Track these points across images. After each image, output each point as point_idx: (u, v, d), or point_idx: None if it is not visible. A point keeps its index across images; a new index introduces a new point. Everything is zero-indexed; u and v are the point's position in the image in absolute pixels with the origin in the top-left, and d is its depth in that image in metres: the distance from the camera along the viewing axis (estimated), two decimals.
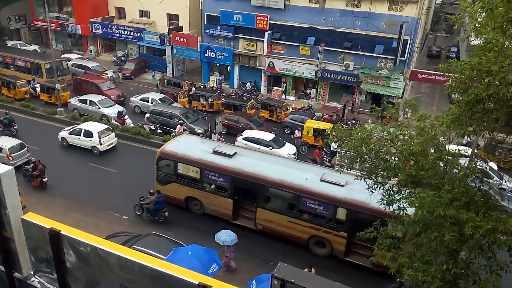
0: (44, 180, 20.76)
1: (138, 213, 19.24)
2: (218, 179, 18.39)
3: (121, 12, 43.54)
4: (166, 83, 36.19)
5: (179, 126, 26.40)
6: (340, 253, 17.09)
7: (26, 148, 22.74)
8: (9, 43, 43.04)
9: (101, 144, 24.39)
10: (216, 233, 16.00)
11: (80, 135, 24.81)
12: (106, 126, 25.44)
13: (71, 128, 25.73)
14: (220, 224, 18.27)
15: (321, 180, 17.09)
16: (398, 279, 14.54)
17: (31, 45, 44.61)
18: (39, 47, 44.94)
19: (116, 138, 25.52)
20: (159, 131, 27.09)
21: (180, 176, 19.20)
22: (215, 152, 18.84)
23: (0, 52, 36.91)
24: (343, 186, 16.63)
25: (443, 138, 10.98)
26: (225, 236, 15.68)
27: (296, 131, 27.40)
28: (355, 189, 15.59)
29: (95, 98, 30.03)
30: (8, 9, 45.90)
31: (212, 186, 18.74)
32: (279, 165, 18.58)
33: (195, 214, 19.72)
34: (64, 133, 25.40)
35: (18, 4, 47.45)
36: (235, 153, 18.97)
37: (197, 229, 18.72)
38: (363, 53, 32.31)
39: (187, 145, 19.78)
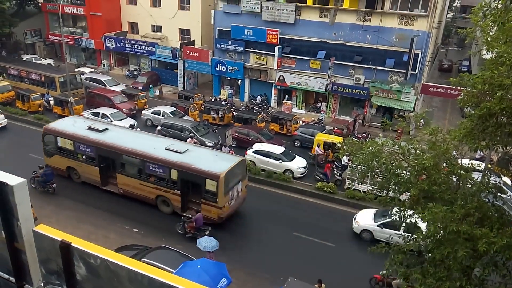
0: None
1: (33, 185, 21.00)
2: (87, 150, 21.53)
3: (134, 27, 44.27)
4: (163, 94, 37.03)
5: (189, 139, 26.55)
6: (178, 209, 19.87)
7: None
8: (25, 57, 43.91)
9: None
10: (198, 238, 16.51)
11: None
12: None
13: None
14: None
15: (166, 149, 20.10)
16: None
17: (46, 59, 45.46)
18: (54, 61, 45.79)
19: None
20: None
21: (60, 149, 22.33)
22: (89, 128, 22.01)
23: (15, 66, 37.68)
24: (181, 153, 19.68)
25: (456, 153, 10.86)
26: (206, 242, 16.20)
27: (317, 148, 26.23)
28: (190, 156, 19.56)
29: (107, 111, 30.38)
30: (24, 24, 47.03)
31: (84, 157, 21.73)
32: (138, 138, 21.82)
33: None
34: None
35: (33, 20, 48.64)
36: (106, 129, 22.18)
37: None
38: (374, 67, 32.30)
39: (68, 123, 22.99)
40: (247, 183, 20.96)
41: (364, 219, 19.49)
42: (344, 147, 12.45)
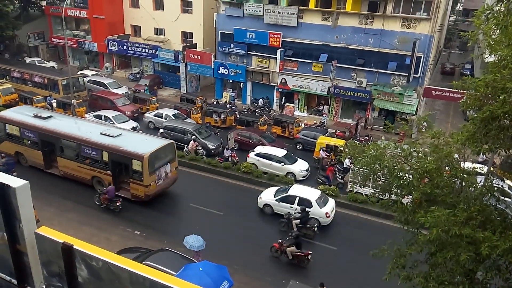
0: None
1: None
2: (31, 135, 23.13)
3: (136, 30, 44.42)
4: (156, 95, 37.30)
5: (192, 142, 26.58)
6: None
7: None
8: (28, 60, 44.09)
9: None
10: (186, 236, 16.52)
11: None
12: None
13: None
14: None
15: (100, 133, 21.64)
16: None
17: (49, 62, 45.60)
18: (57, 63, 45.94)
19: None
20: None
21: (9, 135, 23.94)
22: (34, 116, 23.49)
23: (18, 69, 37.84)
24: (113, 137, 21.29)
25: (458, 156, 10.82)
26: (193, 241, 16.24)
27: (321, 151, 26.19)
28: (121, 139, 21.21)
29: (110, 113, 30.45)
30: (28, 27, 47.21)
31: (29, 142, 23.32)
32: (78, 125, 23.53)
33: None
34: None
35: (37, 22, 48.83)
36: (50, 116, 23.69)
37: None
38: (376, 70, 32.31)
39: (18, 111, 24.73)
40: (176, 165, 22.38)
41: (266, 195, 21.40)
42: (346, 150, 12.45)
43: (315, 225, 19.25)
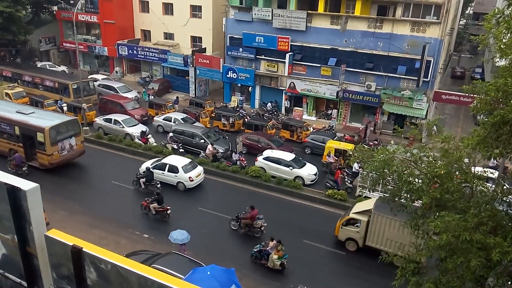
0: None
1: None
2: None
3: (146, 34, 44.75)
4: (155, 96, 37.85)
5: (210, 146, 26.72)
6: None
7: None
8: (39, 64, 44.62)
9: None
10: (171, 231, 17.26)
11: None
12: None
13: None
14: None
15: (16, 112, 24.52)
16: None
17: (60, 66, 46.13)
18: (67, 68, 46.44)
19: None
20: (181, 150, 27.36)
21: None
22: None
23: (30, 73, 38.30)
24: (26, 114, 24.27)
25: (469, 160, 10.72)
26: (177, 235, 16.94)
27: (328, 156, 26.16)
28: (31, 116, 24.19)
29: (119, 117, 30.68)
30: (39, 31, 47.87)
31: None
32: (2, 105, 26.33)
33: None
34: None
35: (48, 27, 49.48)
36: None
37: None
38: (385, 74, 32.17)
39: None
40: (82, 139, 25.64)
41: (145, 164, 24.17)
42: (355, 154, 12.38)
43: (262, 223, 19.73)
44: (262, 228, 19.35)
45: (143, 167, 23.76)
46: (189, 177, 23.01)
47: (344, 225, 18.94)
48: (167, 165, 23.56)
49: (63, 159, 24.27)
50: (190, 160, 24.27)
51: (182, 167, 23.23)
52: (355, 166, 23.72)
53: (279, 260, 16.79)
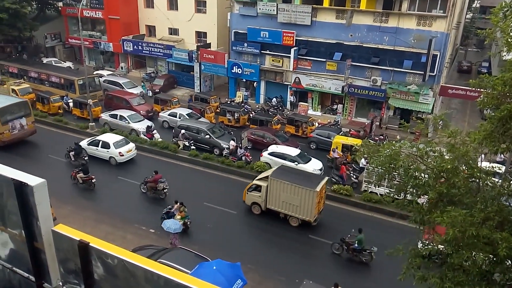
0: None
1: None
2: None
3: (151, 30, 44.75)
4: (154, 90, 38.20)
5: (232, 141, 26.77)
6: None
7: None
8: (44, 60, 44.79)
9: None
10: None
11: None
12: None
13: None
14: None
15: None
16: None
17: (65, 62, 46.27)
18: (73, 64, 46.59)
19: None
20: (192, 147, 27.22)
21: None
22: None
23: (35, 69, 38.47)
24: None
25: (475, 155, 10.65)
26: (170, 224, 17.57)
27: (333, 152, 26.10)
28: None
29: (125, 113, 30.77)
30: (45, 28, 47.99)
31: None
32: None
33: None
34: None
35: (53, 23, 49.61)
36: None
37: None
38: (391, 68, 31.99)
39: None
40: (33, 120, 27.69)
41: (83, 142, 26.29)
42: (361, 150, 12.33)
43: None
44: (165, 191, 21.81)
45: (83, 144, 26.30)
46: (119, 152, 25.31)
47: (249, 191, 21.00)
48: (100, 142, 25.88)
49: (14, 137, 26.57)
50: (123, 137, 26.62)
51: (113, 143, 25.49)
52: (362, 161, 23.65)
53: (182, 220, 18.68)
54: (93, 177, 22.62)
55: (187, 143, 27.39)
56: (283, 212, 20.15)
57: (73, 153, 25.02)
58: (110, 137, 26.11)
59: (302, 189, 19.22)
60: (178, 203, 19.35)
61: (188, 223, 19.22)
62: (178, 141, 27.70)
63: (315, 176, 22.14)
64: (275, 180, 19.87)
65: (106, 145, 25.55)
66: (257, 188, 20.68)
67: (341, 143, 26.35)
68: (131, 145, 26.22)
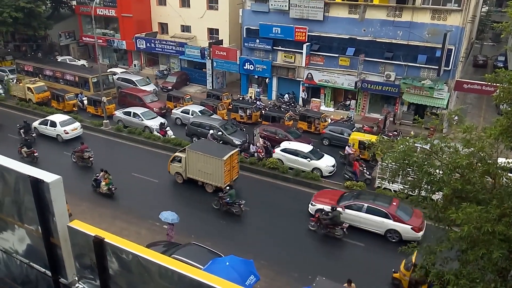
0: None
1: None
2: None
3: (164, 27, 44.95)
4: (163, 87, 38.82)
5: (260, 139, 26.93)
6: None
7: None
8: (59, 58, 45.34)
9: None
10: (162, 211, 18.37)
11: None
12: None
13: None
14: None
15: None
16: None
17: (79, 60, 46.80)
18: (87, 61, 47.09)
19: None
20: None
21: None
22: None
23: (50, 67, 38.97)
24: None
25: (491, 151, 10.49)
26: (168, 215, 18.00)
27: (347, 147, 25.81)
28: None
29: (138, 110, 31.02)
30: (59, 26, 48.59)
31: None
32: None
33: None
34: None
35: (67, 22, 50.16)
36: None
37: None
38: (405, 63, 31.62)
39: None
40: None
41: (35, 122, 29.10)
42: (376, 145, 12.13)
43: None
44: (91, 159, 24.68)
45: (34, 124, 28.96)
46: (64, 130, 28.10)
47: (172, 163, 23.31)
48: (49, 121, 28.63)
49: None
50: (69, 117, 29.34)
51: (59, 122, 28.35)
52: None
53: (106, 186, 21.38)
54: (35, 151, 25.25)
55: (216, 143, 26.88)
56: (200, 180, 22.62)
57: (22, 130, 27.40)
58: (57, 117, 28.98)
59: (212, 158, 21.67)
60: (103, 171, 21.75)
61: (113, 188, 21.69)
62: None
63: (228, 147, 24.18)
64: (192, 152, 22.44)
65: (53, 124, 28.35)
66: (179, 159, 22.91)
67: (357, 140, 26.04)
68: (77, 124, 28.94)
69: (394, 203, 19.58)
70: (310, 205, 20.63)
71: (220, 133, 27.70)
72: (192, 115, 30.96)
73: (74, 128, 28.49)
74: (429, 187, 10.57)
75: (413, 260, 14.61)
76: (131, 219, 20.10)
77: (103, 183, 21.56)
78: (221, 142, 27.03)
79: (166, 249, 15.89)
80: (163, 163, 24.25)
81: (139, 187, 23.14)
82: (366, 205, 19.52)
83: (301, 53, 34.61)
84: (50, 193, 2.92)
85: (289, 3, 34.01)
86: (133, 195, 22.30)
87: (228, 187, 21.15)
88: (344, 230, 18.67)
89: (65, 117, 28.97)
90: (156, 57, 45.49)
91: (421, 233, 18.33)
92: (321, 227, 19.07)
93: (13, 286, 3.53)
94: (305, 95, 36.71)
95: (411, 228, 18.45)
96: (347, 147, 25.78)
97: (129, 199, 21.90)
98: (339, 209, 19.18)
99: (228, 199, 20.45)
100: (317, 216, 19.27)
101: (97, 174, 22.22)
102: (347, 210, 19.44)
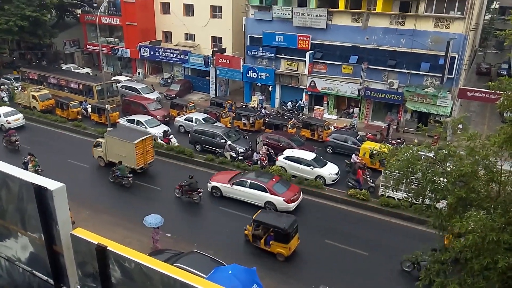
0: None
1: None
2: None
3: (167, 35, 45.25)
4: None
5: (263, 147, 26.90)
6: None
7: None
8: (64, 66, 45.65)
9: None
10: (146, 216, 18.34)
11: None
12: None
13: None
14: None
15: None
16: None
17: (84, 68, 47.09)
18: (91, 70, 47.37)
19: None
20: (240, 157, 26.62)
21: None
22: None
23: (55, 75, 39.23)
24: None
25: (496, 159, 10.44)
26: (151, 219, 18.01)
27: (354, 155, 25.55)
28: None
29: (142, 118, 31.12)
30: (64, 34, 49.02)
31: None
32: None
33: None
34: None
35: (72, 30, 50.62)
36: None
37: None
38: (408, 71, 31.64)
39: None
40: None
41: None
42: (391, 157, 11.86)
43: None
44: (17, 143, 27.60)
45: None
46: (7, 120, 30.99)
47: (95, 147, 25.74)
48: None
49: None
50: (13, 109, 32.35)
51: (3, 113, 31.48)
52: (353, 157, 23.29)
53: (32, 168, 22.88)
54: None
55: (234, 154, 26.87)
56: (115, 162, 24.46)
57: None
58: (1, 109, 32.03)
59: (125, 142, 24.16)
60: (30, 155, 23.81)
61: (39, 170, 23.05)
62: (224, 153, 27.21)
63: (142, 133, 26.41)
64: (109, 137, 25.19)
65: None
66: (100, 144, 25.48)
67: (368, 149, 25.72)
68: (19, 115, 32.01)
69: (274, 179, 22.13)
70: (208, 183, 22.89)
71: (224, 140, 27.72)
72: (195, 122, 31.04)
73: (16, 119, 31.60)
74: (433, 195, 10.52)
75: (253, 217, 18.20)
76: (133, 226, 20.05)
77: (30, 165, 23.35)
78: (240, 153, 26.93)
79: (168, 258, 15.84)
80: (166, 171, 24.24)
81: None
82: (249, 181, 22.01)
83: (304, 61, 34.72)
84: (53, 200, 2.93)
85: (292, 12, 34.19)
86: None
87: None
88: (200, 195, 21.83)
89: (9, 109, 32.34)
90: (160, 65, 45.74)
91: (293, 204, 21.19)
92: (182, 192, 22.18)
93: None
94: (304, 104, 36.65)
95: (284, 200, 21.06)
96: (353, 155, 25.62)
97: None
98: (227, 185, 22.11)
99: (118, 172, 23.32)
100: (179, 184, 22.26)
101: (24, 158, 24.22)
102: (235, 186, 21.99)
